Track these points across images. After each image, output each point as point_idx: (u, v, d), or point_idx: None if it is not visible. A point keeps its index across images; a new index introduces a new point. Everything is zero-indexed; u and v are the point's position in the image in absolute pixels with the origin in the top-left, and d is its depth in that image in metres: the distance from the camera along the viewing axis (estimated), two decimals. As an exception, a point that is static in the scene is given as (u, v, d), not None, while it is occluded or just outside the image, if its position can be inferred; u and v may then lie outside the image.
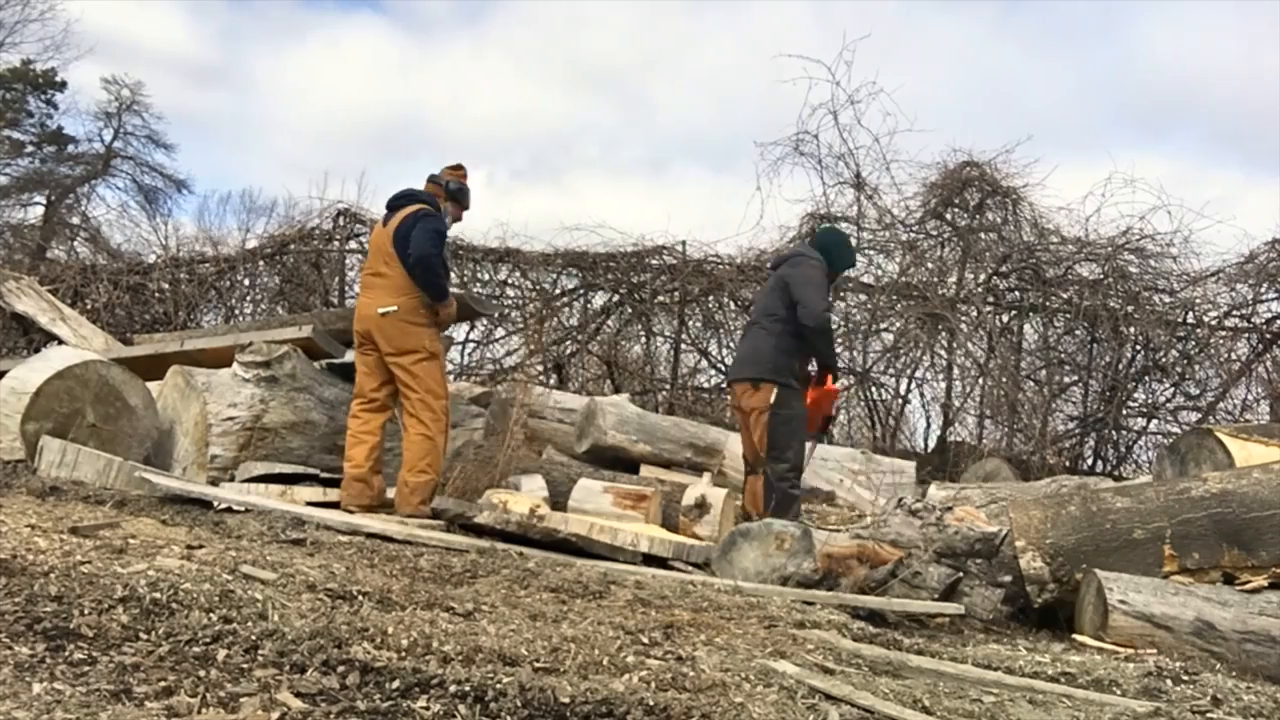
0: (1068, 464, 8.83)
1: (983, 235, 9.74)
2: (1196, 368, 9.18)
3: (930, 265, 9.71)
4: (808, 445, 5.11)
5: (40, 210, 19.79)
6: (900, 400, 9.76)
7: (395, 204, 4.75)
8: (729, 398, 5.42)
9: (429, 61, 46.40)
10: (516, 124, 40.49)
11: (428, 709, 1.73)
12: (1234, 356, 9.13)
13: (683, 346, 9.78)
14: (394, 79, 43.33)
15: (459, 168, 4.99)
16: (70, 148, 21.58)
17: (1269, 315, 9.12)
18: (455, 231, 9.76)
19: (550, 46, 42.11)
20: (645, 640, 2.44)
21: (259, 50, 41.97)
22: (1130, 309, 8.94)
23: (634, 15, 41.99)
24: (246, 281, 9.98)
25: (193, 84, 37.25)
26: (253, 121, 38.41)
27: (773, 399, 4.79)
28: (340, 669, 1.87)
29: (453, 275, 9.70)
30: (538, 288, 9.80)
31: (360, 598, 2.51)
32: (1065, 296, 9.23)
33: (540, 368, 9.48)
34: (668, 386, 9.58)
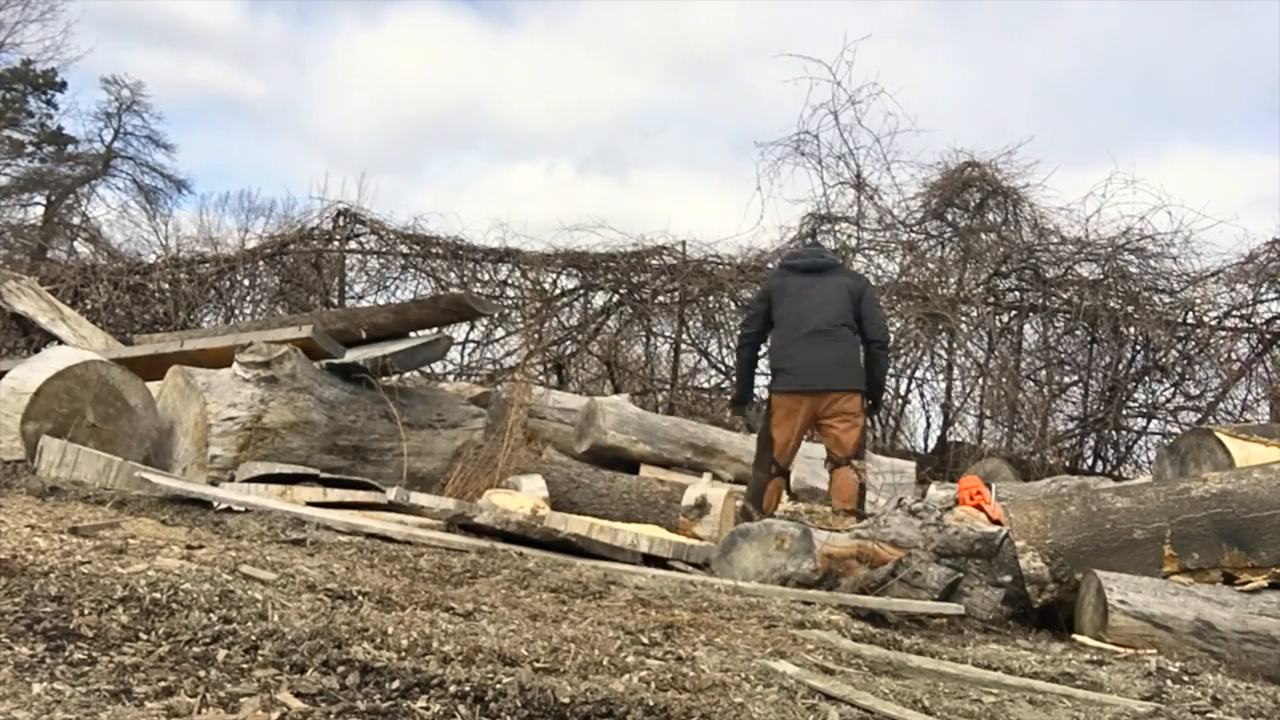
0: (1068, 464, 8.83)
1: (983, 235, 9.74)
2: (1196, 368, 9.19)
3: (930, 265, 9.72)
4: None
5: (40, 210, 19.83)
6: (900, 400, 9.77)
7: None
8: (794, 399, 5.08)
9: (501, 44, 44.45)
10: (590, 113, 38.26)
11: (428, 709, 1.73)
12: (1234, 356, 9.14)
13: (683, 347, 9.78)
14: (462, 62, 41.52)
15: None
16: (70, 148, 21.60)
17: (1269, 315, 9.12)
18: (457, 230, 9.82)
19: (637, 30, 39.33)
20: (645, 640, 2.43)
21: (319, 32, 40.89)
22: (1130, 309, 8.94)
23: (730, -3, 37.46)
24: (246, 282, 9.98)
25: (249, 69, 36.67)
26: (307, 108, 37.51)
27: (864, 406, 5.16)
28: (340, 669, 1.87)
29: (453, 275, 9.74)
30: (538, 287, 9.80)
31: (360, 598, 2.51)
32: (1065, 296, 9.23)
33: (540, 368, 9.48)
34: (668, 387, 9.58)
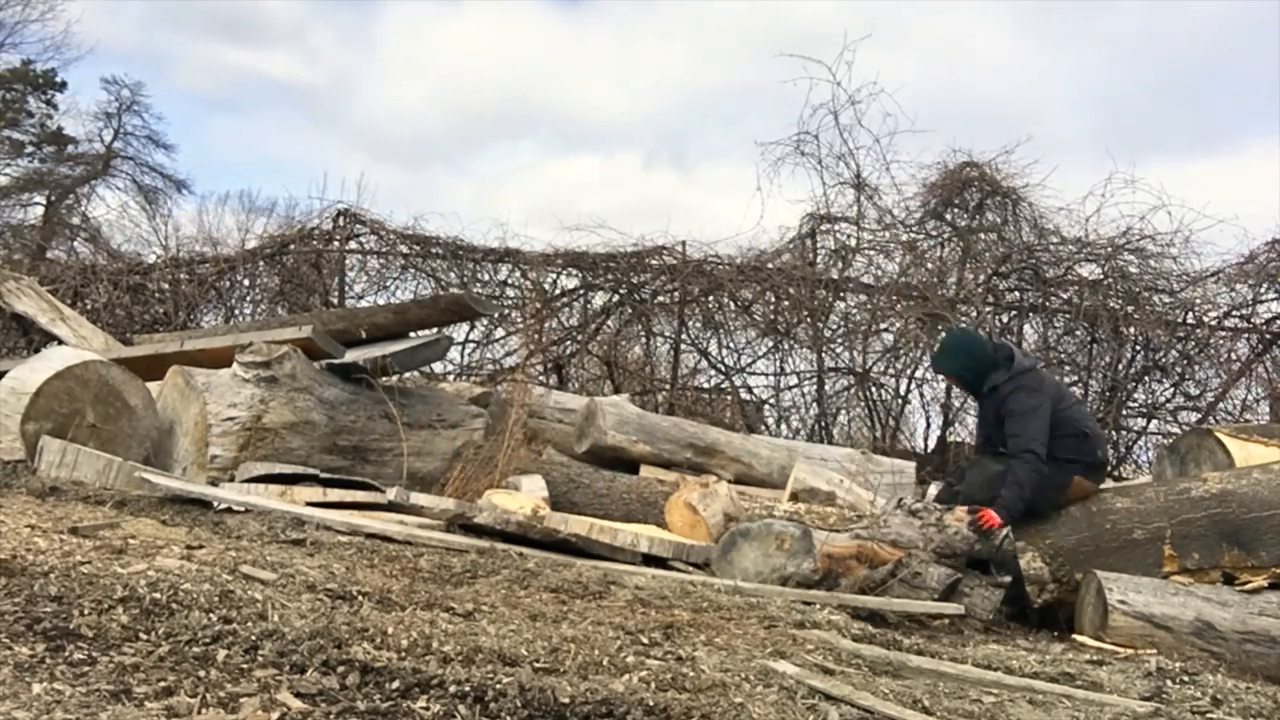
0: (1068, 464, 8.81)
1: (983, 235, 9.74)
2: (1196, 368, 9.18)
3: (930, 265, 9.71)
4: None
5: (40, 210, 19.81)
6: (900, 400, 9.77)
7: None
8: None
9: (576, 29, 42.44)
10: (663, 102, 36.09)
11: (428, 709, 1.73)
12: (1234, 356, 9.14)
13: (683, 347, 9.77)
14: (530, 47, 39.82)
15: None
16: (70, 148, 21.59)
17: (1269, 315, 9.12)
18: (457, 230, 9.84)
19: (720, 14, 35.84)
20: (645, 640, 2.44)
21: (380, 20, 39.43)
22: (1130, 309, 8.94)
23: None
24: (246, 282, 9.97)
25: (308, 58, 35.29)
26: (363, 97, 35.98)
27: None
28: (340, 669, 1.87)
29: (453, 275, 9.75)
30: (538, 288, 9.80)
31: (360, 598, 2.51)
32: (1065, 296, 9.23)
33: (540, 368, 9.47)
34: (668, 387, 9.57)
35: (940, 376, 4.24)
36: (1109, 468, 4.54)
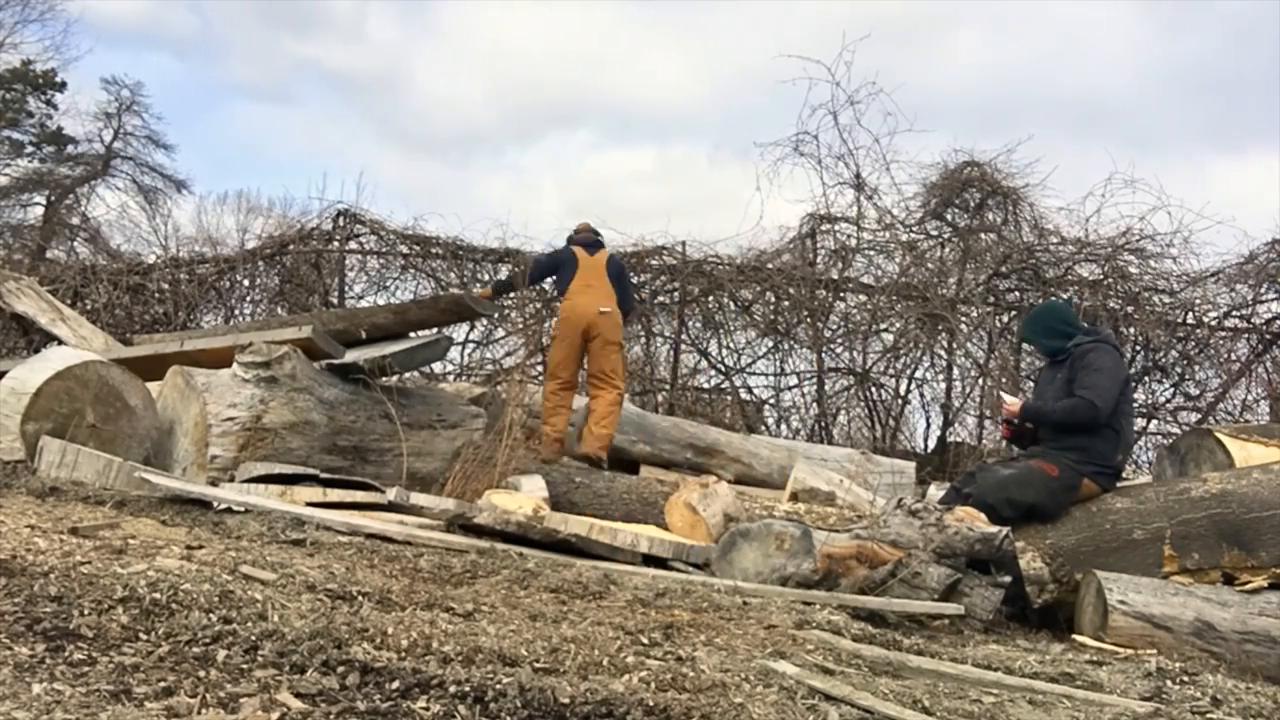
0: (1068, 464, 8.81)
1: (983, 235, 9.75)
2: (1196, 368, 9.19)
3: (930, 265, 9.72)
4: None
5: (40, 210, 19.84)
6: (900, 400, 9.77)
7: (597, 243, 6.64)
8: None
9: (650, 13, 41.76)
10: (736, 89, 35.62)
11: (428, 709, 1.73)
12: (1234, 357, 9.14)
13: (683, 347, 9.77)
14: (597, 33, 39.66)
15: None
16: (70, 148, 21.61)
17: (1269, 315, 9.13)
18: (457, 230, 9.86)
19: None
20: (645, 640, 2.43)
21: (436, 6, 39.08)
22: (1130, 309, 8.95)
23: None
24: (246, 282, 9.97)
25: (366, 47, 35.02)
26: (415, 87, 35.61)
27: None
28: (340, 669, 1.87)
29: (453, 275, 9.75)
30: (537, 288, 9.80)
31: (360, 598, 2.51)
32: (1065, 297, 9.23)
33: (540, 368, 9.48)
34: (668, 387, 9.57)
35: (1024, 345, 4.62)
36: (1121, 475, 4.59)
